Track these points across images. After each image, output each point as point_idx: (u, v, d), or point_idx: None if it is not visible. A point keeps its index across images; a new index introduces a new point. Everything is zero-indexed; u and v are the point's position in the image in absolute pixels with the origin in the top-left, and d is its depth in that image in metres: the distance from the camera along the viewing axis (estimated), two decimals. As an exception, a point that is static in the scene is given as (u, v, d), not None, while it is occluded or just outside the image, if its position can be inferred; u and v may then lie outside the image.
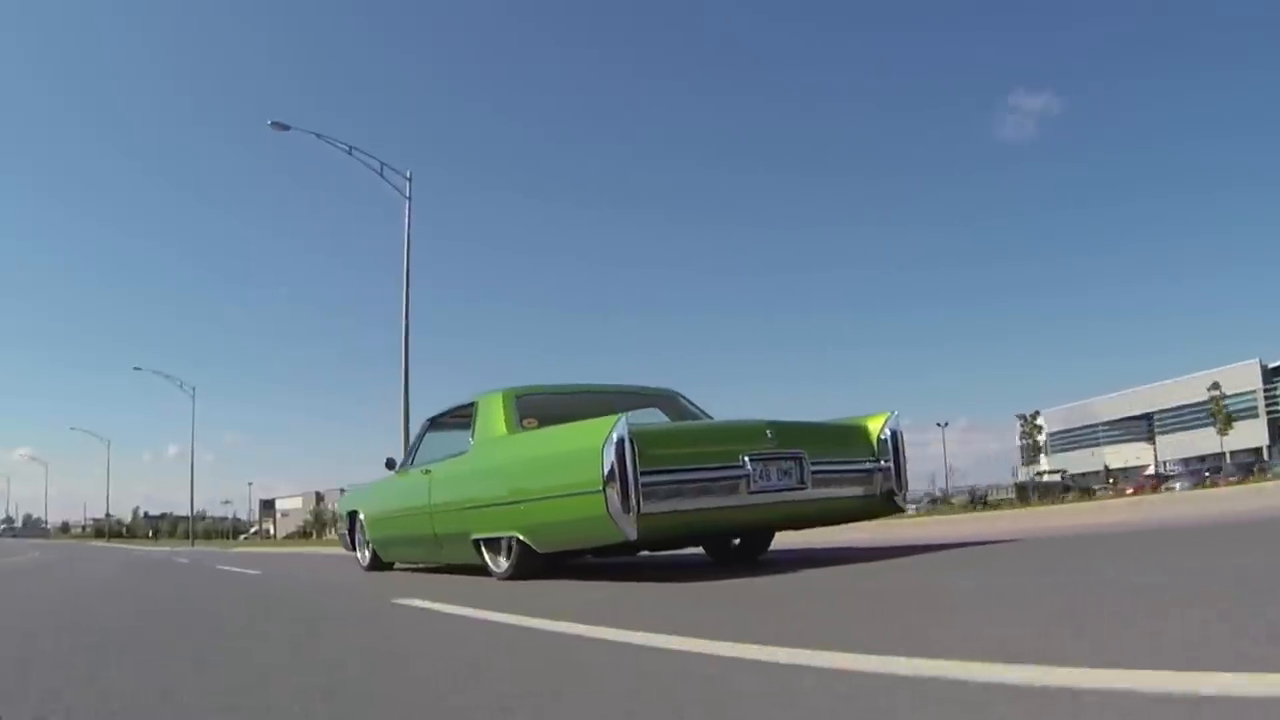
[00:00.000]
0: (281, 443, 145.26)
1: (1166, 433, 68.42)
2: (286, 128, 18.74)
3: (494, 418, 5.31)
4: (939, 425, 70.33)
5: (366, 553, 7.15)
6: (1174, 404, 65.59)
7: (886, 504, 5.01)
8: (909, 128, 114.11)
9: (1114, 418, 73.00)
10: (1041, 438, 62.42)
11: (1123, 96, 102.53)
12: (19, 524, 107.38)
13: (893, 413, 5.06)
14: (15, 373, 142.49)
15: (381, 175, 19.09)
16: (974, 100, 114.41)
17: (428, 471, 5.87)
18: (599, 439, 4.07)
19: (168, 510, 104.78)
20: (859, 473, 4.90)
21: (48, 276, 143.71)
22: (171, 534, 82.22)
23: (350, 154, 18.85)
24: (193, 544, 44.56)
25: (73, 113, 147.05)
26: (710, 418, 5.87)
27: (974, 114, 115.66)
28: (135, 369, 39.71)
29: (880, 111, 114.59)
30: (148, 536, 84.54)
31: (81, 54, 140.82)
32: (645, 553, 5.89)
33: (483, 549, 5.15)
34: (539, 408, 5.42)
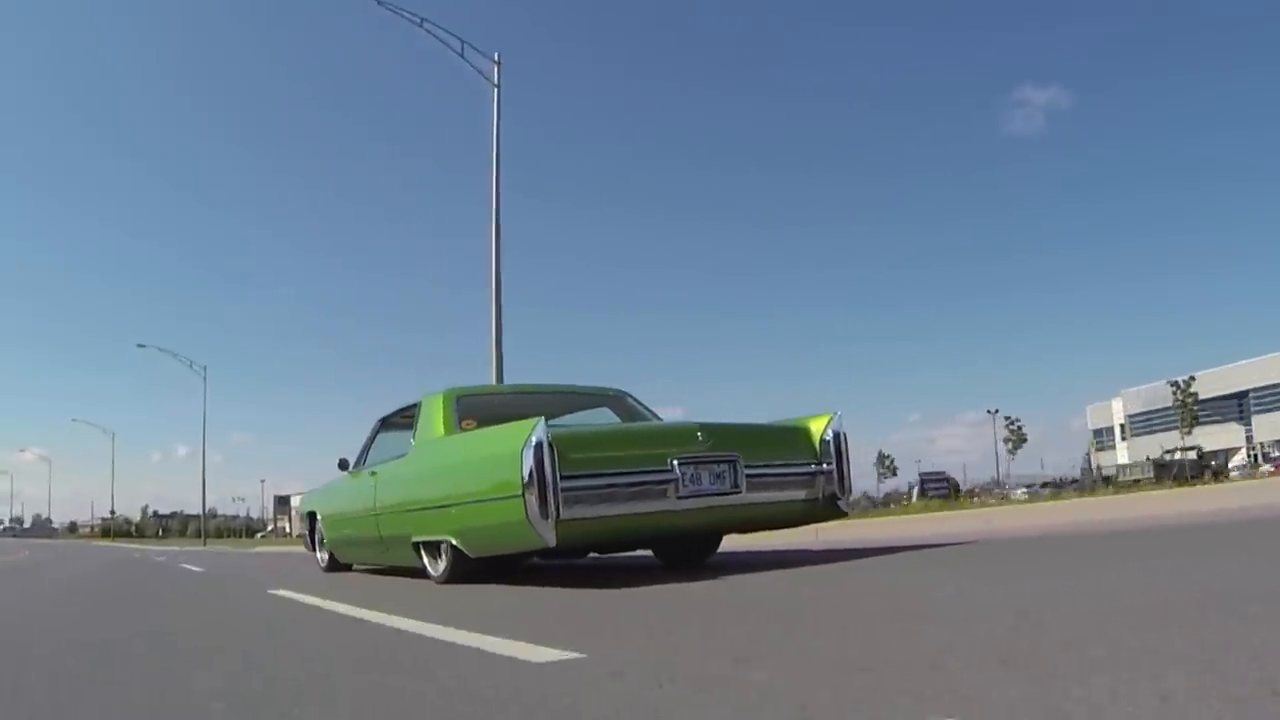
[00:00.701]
0: (290, 442, 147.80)
1: (1264, 411, 61.16)
2: None
3: (433, 419, 5.25)
4: (990, 412, 65.45)
5: (324, 554, 7.13)
6: (1269, 382, 58.81)
7: (829, 508, 4.86)
8: (914, 125, 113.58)
9: (1205, 397, 64.05)
10: (1119, 420, 59.21)
11: (1133, 92, 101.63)
12: (28, 524, 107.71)
13: (835, 414, 4.92)
14: (20, 373, 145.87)
15: (462, 56, 14.86)
16: (980, 96, 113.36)
17: (374, 473, 5.83)
18: (518, 443, 3.99)
19: (178, 509, 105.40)
20: (799, 476, 4.77)
21: (52, 276, 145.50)
22: (182, 533, 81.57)
23: (422, 26, 14.65)
24: (204, 543, 40.00)
25: (74, 113, 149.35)
26: (659, 419, 5.77)
27: (980, 110, 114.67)
28: (139, 346, 36.76)
29: (884, 109, 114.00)
30: (156, 536, 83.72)
31: (81, 53, 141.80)
32: (594, 555, 5.82)
33: (422, 552, 5.09)
34: (481, 409, 5.34)
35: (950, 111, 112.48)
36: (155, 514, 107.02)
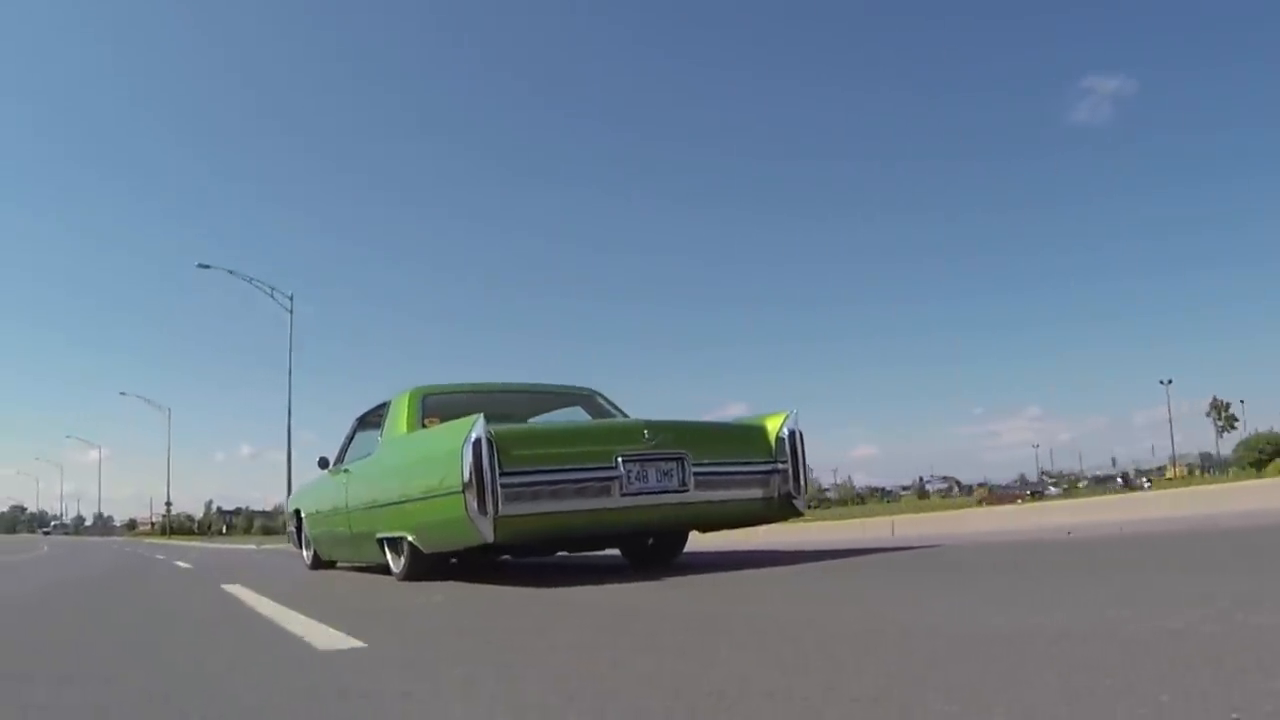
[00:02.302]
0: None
1: None
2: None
3: (399, 417, 5.32)
4: (1162, 383, 62.04)
5: (309, 552, 7.23)
6: None
7: (784, 507, 4.79)
8: (979, 115, 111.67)
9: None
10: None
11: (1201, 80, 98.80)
12: (89, 522, 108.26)
13: (791, 412, 4.89)
14: (86, 370, 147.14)
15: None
16: (1045, 85, 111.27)
17: (347, 471, 5.93)
18: (458, 440, 4.03)
19: (242, 505, 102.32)
20: (752, 474, 4.72)
21: (123, 278, 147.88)
22: (247, 530, 77.00)
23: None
24: (258, 545, 37.56)
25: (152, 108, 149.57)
26: (627, 417, 5.79)
27: (1045, 99, 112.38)
28: (201, 266, 26.37)
29: (948, 99, 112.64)
30: (220, 533, 78.99)
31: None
32: (562, 554, 5.86)
33: (385, 548, 5.17)
34: (446, 407, 5.39)
35: (1016, 100, 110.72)
36: (219, 510, 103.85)
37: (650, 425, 4.49)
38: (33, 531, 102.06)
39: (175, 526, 71.43)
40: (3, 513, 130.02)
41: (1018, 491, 57.89)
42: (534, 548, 5.22)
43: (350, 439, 6.52)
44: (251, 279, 26.10)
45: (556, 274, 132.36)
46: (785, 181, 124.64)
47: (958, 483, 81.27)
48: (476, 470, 3.94)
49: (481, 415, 4.09)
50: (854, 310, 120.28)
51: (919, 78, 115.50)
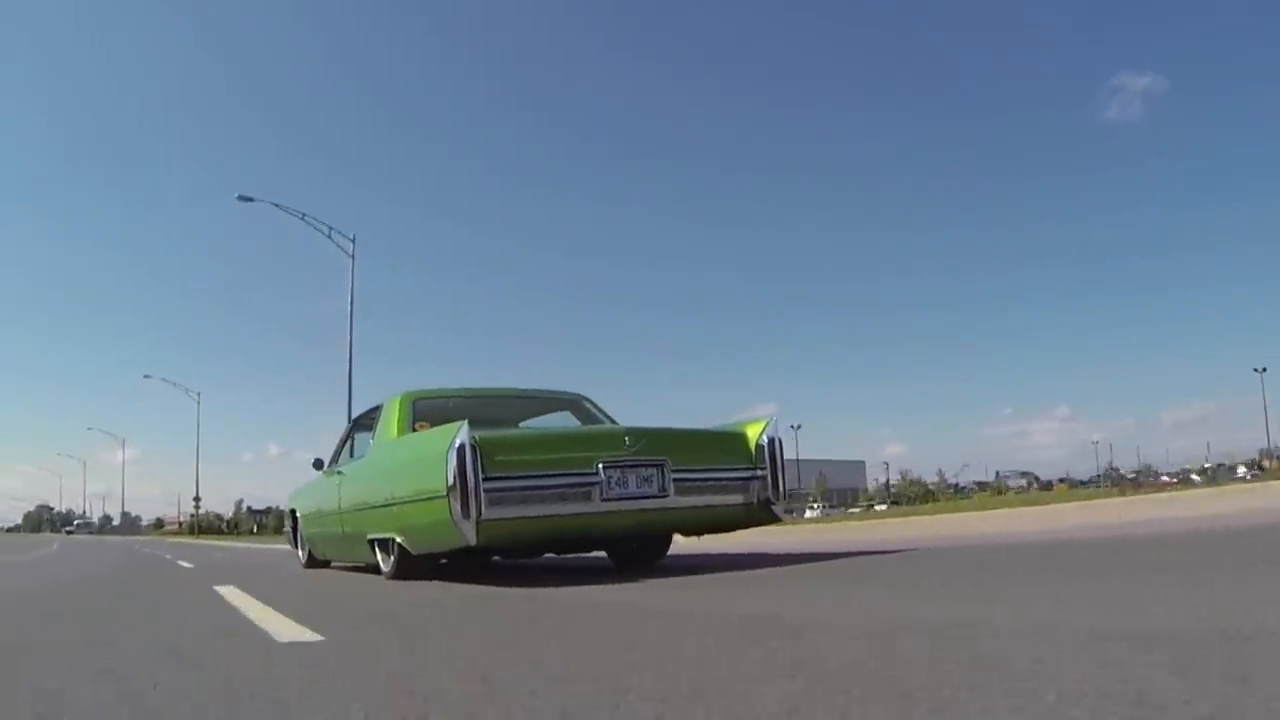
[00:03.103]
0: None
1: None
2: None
3: (390, 421, 5.45)
4: (1256, 370, 58.13)
5: (304, 552, 7.38)
6: None
7: (763, 512, 4.88)
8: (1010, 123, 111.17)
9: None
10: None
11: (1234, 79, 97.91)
12: (116, 521, 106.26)
13: (770, 419, 4.99)
14: (104, 371, 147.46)
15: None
16: (1078, 84, 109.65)
17: (341, 472, 6.07)
18: (444, 445, 4.16)
19: (273, 505, 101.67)
20: (731, 480, 4.81)
21: (148, 292, 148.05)
22: (278, 529, 72.56)
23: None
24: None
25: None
26: (614, 423, 5.92)
27: (1079, 99, 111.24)
28: (242, 199, 22.12)
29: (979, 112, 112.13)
30: (250, 532, 75.24)
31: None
32: (550, 556, 5.99)
33: (376, 549, 5.31)
34: (436, 412, 5.52)
35: (1048, 101, 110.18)
36: (249, 509, 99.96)
37: (631, 432, 4.60)
38: (56, 531, 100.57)
39: (204, 526, 66.65)
40: (29, 512, 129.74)
41: (1163, 481, 54.93)
42: (517, 550, 5.36)
43: (345, 441, 6.67)
44: (304, 215, 22.28)
45: (591, 286, 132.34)
46: (824, 194, 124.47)
47: (1036, 477, 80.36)
48: (460, 475, 4.06)
49: (466, 421, 4.21)
50: (875, 315, 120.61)
51: (940, 83, 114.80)
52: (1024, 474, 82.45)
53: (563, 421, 6.10)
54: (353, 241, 22.67)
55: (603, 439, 4.62)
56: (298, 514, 7.50)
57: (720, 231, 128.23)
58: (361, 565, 6.50)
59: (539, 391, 6.29)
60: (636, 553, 5.56)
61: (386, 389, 6.57)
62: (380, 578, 5.22)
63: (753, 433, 4.98)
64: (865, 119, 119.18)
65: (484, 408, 5.79)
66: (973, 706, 1.29)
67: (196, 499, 52.04)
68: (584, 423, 6.00)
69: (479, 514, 4.07)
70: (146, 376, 45.92)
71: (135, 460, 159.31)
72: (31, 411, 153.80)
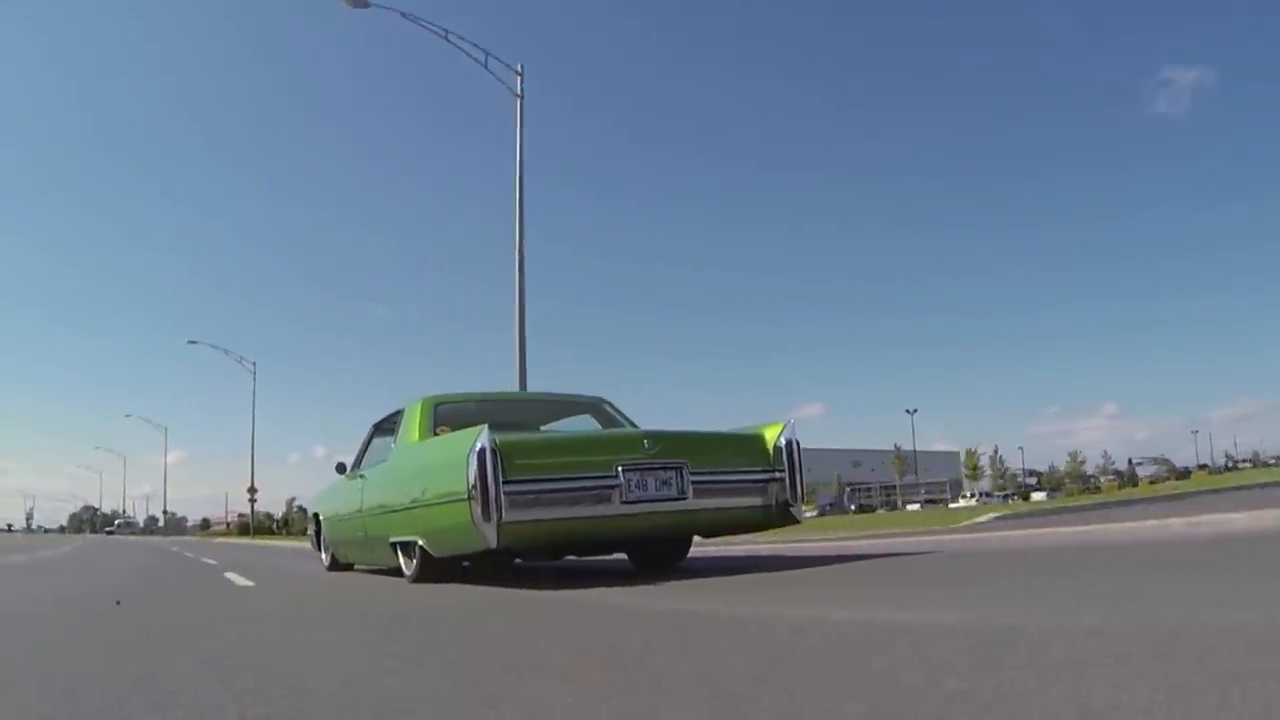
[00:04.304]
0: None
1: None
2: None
3: (411, 425, 5.52)
4: None
5: (327, 555, 7.47)
6: None
7: (782, 515, 4.87)
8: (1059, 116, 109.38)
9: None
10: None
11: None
12: (160, 522, 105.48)
13: (788, 422, 5.02)
14: (146, 367, 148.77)
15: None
16: (1125, 78, 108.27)
17: (363, 476, 6.15)
18: (464, 449, 4.20)
19: None
20: (750, 483, 4.81)
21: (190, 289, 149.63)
22: None
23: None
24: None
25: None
26: (635, 426, 5.96)
27: (1126, 92, 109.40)
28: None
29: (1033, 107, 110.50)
30: (303, 532, 73.35)
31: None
32: (571, 558, 6.05)
33: (399, 552, 5.38)
34: (457, 416, 5.59)
35: (1095, 98, 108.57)
36: (300, 508, 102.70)
37: (650, 435, 4.63)
38: (96, 532, 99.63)
39: (256, 525, 61.65)
40: (73, 514, 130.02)
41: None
42: (538, 552, 5.41)
43: (367, 445, 6.75)
44: (458, 38, 14.76)
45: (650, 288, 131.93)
46: (869, 195, 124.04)
47: (1171, 465, 78.23)
48: (481, 478, 4.09)
49: (486, 425, 4.26)
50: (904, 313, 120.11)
51: (988, 81, 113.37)
52: (1157, 460, 79.53)
53: (583, 425, 6.14)
54: (520, 75, 15.55)
55: (622, 442, 4.65)
56: (320, 517, 7.59)
57: (762, 231, 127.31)
58: (383, 568, 6.58)
59: (559, 396, 6.34)
60: (657, 555, 5.59)
61: (410, 392, 6.63)
62: (403, 580, 5.28)
63: (771, 435, 4.99)
64: (910, 119, 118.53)
65: (505, 412, 5.85)
66: None
67: (252, 490, 42.10)
68: (604, 426, 6.04)
69: (500, 517, 4.12)
70: (191, 342, 39.83)
71: (180, 463, 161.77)
72: (77, 407, 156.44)
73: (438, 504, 4.54)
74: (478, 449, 4.13)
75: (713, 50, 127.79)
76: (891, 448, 72.13)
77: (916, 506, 54.82)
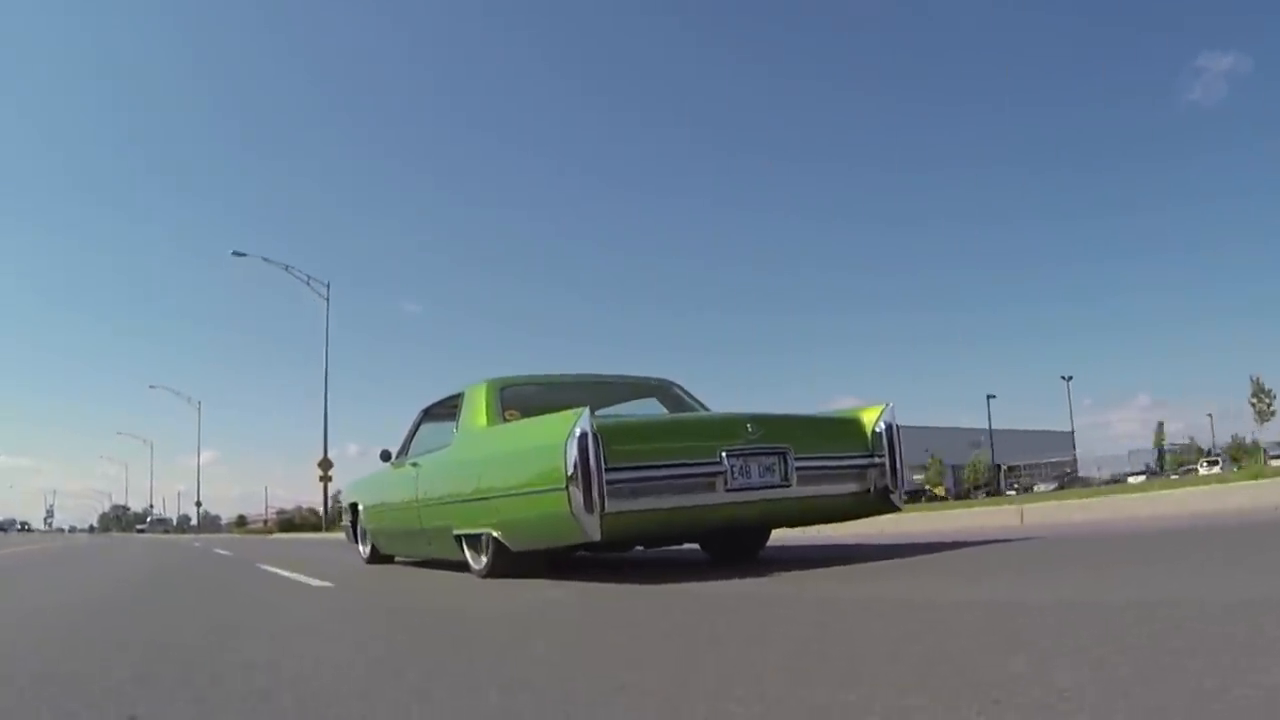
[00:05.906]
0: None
1: None
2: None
3: (476, 409, 5.18)
4: None
5: (366, 547, 7.13)
6: None
7: (881, 501, 4.64)
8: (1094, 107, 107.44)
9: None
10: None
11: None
12: (193, 521, 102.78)
13: (888, 405, 4.76)
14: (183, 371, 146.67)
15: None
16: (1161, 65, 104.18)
17: (416, 464, 5.80)
18: (562, 434, 3.88)
19: None
20: (851, 469, 4.56)
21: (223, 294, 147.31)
22: None
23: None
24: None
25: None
26: (706, 409, 5.67)
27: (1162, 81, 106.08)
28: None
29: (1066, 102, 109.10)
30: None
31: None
32: (639, 549, 5.76)
33: (464, 545, 5.05)
34: (525, 399, 5.27)
35: (1131, 87, 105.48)
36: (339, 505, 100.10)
37: (753, 419, 4.34)
38: (125, 530, 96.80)
39: (296, 522, 58.55)
40: (104, 513, 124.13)
41: None
42: (631, 544, 5.12)
43: (415, 431, 6.37)
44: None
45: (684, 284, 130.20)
46: (902, 192, 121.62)
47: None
48: (583, 465, 3.78)
49: (587, 408, 3.92)
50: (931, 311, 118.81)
51: (1023, 73, 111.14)
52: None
53: (649, 409, 5.85)
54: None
55: (724, 426, 4.35)
56: (359, 507, 7.23)
57: (809, 225, 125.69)
58: (430, 561, 6.27)
59: (625, 378, 6.02)
60: (738, 545, 5.32)
61: (462, 378, 6.28)
62: (471, 576, 4.95)
63: (869, 418, 4.74)
64: (943, 112, 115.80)
65: (569, 394, 5.51)
66: None
67: (325, 465, 28.39)
68: (672, 409, 5.75)
69: (603, 507, 3.82)
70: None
71: (213, 463, 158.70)
72: (108, 404, 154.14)
73: (524, 494, 4.22)
74: (578, 433, 3.82)
75: (760, 49, 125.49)
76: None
77: (1045, 487, 47.23)
